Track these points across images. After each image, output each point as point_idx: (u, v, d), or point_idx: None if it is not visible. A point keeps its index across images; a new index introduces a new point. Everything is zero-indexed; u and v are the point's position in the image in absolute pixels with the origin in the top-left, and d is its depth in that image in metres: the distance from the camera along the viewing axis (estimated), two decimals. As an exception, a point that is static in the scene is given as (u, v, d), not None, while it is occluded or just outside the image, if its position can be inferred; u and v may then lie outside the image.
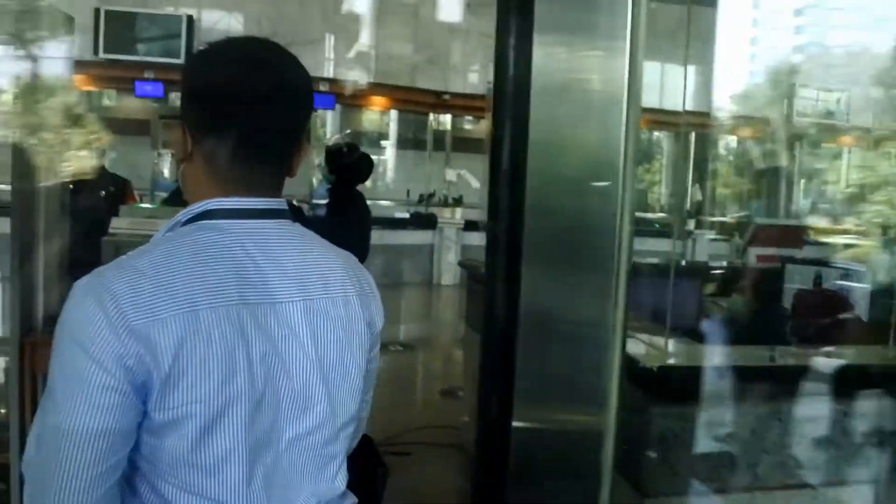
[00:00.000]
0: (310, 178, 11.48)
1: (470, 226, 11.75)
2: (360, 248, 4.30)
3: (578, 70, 1.73)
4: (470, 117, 13.52)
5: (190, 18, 10.67)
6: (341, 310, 1.19)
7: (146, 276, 1.04)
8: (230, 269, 1.08)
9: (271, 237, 1.15)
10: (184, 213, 1.16)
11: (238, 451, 1.06)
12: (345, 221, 4.17)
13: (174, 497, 1.06)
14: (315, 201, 10.12)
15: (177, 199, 3.67)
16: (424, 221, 11.90)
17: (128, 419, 1.02)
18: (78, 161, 4.73)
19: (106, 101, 12.75)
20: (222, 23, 11.40)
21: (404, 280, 11.27)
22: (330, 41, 11.86)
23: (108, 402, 1.00)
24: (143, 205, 4.06)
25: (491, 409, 1.86)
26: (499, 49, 1.84)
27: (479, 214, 11.70)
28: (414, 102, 12.54)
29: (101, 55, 10.49)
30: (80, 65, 10.64)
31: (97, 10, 10.33)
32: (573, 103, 1.72)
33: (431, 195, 12.51)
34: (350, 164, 4.27)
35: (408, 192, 12.61)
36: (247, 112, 1.13)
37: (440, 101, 12.46)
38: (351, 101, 12.50)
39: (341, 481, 1.22)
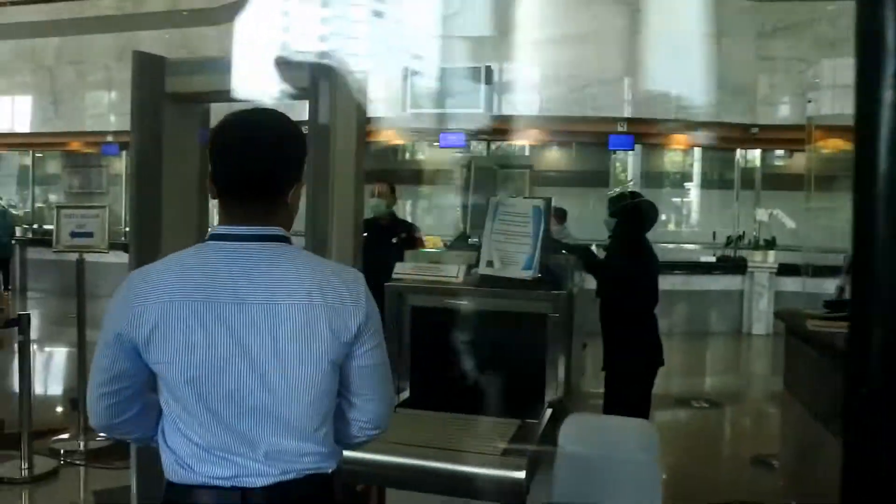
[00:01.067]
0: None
1: (785, 270, 10.59)
2: (644, 294, 3.96)
3: None
4: (781, 152, 12.33)
5: (488, 69, 11.01)
6: (301, 313, 1.51)
7: (154, 275, 1.55)
8: (207, 276, 1.52)
9: (251, 255, 1.53)
10: (209, 234, 1.60)
11: (202, 397, 1.50)
12: (626, 267, 3.99)
13: (172, 413, 1.55)
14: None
15: (462, 243, 3.57)
16: (732, 266, 10.97)
17: (122, 364, 1.55)
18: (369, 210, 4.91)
19: (420, 156, 13.61)
20: (522, 72, 11.59)
21: (710, 329, 10.42)
22: (628, 81, 11.52)
23: (109, 352, 1.55)
24: (429, 249, 4.05)
25: None
26: (865, 44, 1.34)
27: (796, 257, 10.53)
28: (719, 138, 11.72)
29: (409, 110, 11.20)
30: (390, 120, 11.47)
31: (405, 68, 11.06)
32: None
33: (740, 237, 11.51)
34: (631, 209, 4.13)
35: (714, 234, 11.74)
36: (226, 162, 1.58)
37: (748, 135, 11.50)
38: (652, 141, 12.03)
39: (315, 445, 1.56)
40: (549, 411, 2.66)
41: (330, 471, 1.60)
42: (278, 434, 1.52)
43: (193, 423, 1.52)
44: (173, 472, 1.56)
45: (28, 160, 16.38)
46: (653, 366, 3.95)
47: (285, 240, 1.57)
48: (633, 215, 4.10)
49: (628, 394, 3.81)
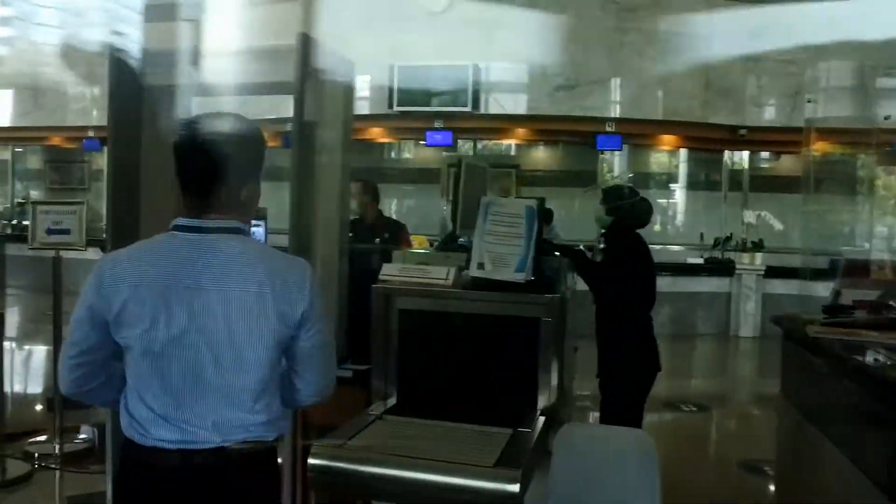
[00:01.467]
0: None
1: (773, 272, 10.56)
2: (642, 295, 3.81)
3: None
4: (766, 154, 12.29)
5: (476, 67, 10.91)
6: (252, 299, 1.71)
7: (125, 259, 1.75)
8: (170, 262, 1.72)
9: (210, 246, 1.73)
10: (172, 225, 1.78)
11: (161, 370, 1.71)
12: (623, 267, 3.82)
13: (134, 382, 1.76)
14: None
15: (449, 244, 3.47)
16: (720, 267, 10.92)
17: (92, 339, 1.76)
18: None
19: (406, 154, 13.48)
20: (509, 72, 11.50)
21: (697, 331, 10.37)
22: (615, 82, 11.47)
23: (81, 328, 1.75)
24: (416, 250, 3.95)
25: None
26: None
27: (784, 260, 10.52)
28: (706, 140, 11.68)
29: (395, 108, 11.08)
30: (375, 118, 11.35)
31: (391, 67, 10.94)
32: None
33: (728, 239, 11.46)
34: (630, 206, 3.94)
35: (701, 235, 11.70)
36: (185, 160, 1.78)
37: (736, 136, 11.46)
38: (638, 142, 11.97)
39: (259, 416, 1.76)
40: (542, 419, 2.56)
41: (271, 439, 1.81)
42: (225, 406, 1.72)
43: (151, 392, 1.73)
44: (129, 433, 1.77)
45: (7, 155, 16.14)
46: (650, 370, 3.82)
47: (242, 232, 1.79)
48: (633, 213, 3.94)
49: (624, 400, 3.70)
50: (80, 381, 1.80)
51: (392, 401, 2.74)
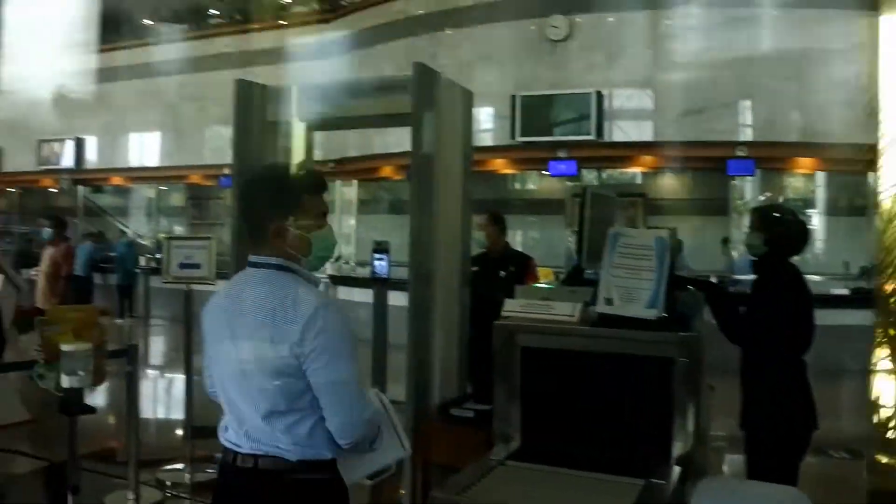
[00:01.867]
0: (727, 253, 10.63)
1: (929, 303, 9.71)
2: (797, 335, 3.28)
3: None
4: (916, 174, 11.37)
5: (599, 95, 10.71)
6: (258, 327, 1.94)
7: (219, 290, 2.15)
8: (229, 291, 2.07)
9: (251, 278, 2.02)
10: None
11: (221, 381, 2.06)
12: (778, 300, 3.28)
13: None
14: (737, 276, 9.24)
15: (575, 278, 3.31)
16: (868, 299, 10.14)
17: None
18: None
19: (529, 185, 13.42)
20: (633, 98, 11.23)
21: (844, 367, 9.63)
22: (746, 104, 10.97)
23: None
24: (541, 284, 3.80)
25: None
26: None
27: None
28: (847, 161, 10.93)
29: (518, 138, 11.01)
30: (498, 149, 11.32)
31: (513, 97, 10.90)
32: None
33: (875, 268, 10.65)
34: (790, 232, 3.38)
35: (846, 264, 10.92)
36: (238, 207, 2.39)
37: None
38: (772, 166, 11.38)
39: (283, 436, 1.95)
40: (677, 469, 2.36)
41: (294, 459, 1.94)
42: (252, 418, 1.96)
43: (221, 399, 2.06)
44: (218, 432, 2.08)
45: (153, 193, 17.32)
46: (806, 427, 3.27)
47: (277, 267, 1.99)
48: (794, 239, 3.41)
49: (775, 462, 3.17)
50: (213, 382, 2.13)
51: (515, 444, 2.60)
